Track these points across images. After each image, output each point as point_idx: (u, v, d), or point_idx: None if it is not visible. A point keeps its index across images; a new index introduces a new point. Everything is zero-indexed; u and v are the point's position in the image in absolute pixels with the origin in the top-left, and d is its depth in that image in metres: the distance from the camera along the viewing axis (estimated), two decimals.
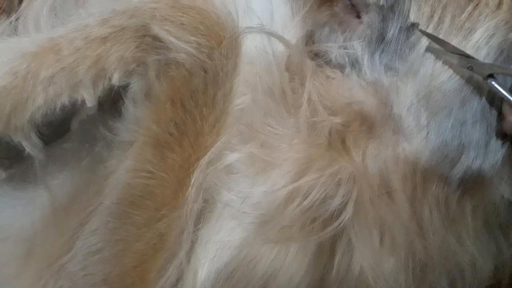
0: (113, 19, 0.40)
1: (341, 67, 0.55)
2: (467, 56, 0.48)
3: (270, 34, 0.48)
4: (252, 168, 0.46)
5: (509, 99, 0.45)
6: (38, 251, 0.45)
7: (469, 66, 0.48)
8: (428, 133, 0.51)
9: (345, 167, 0.48)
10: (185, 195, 0.42)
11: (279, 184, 0.46)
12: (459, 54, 0.49)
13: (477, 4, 0.52)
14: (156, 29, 0.40)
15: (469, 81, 0.51)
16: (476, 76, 0.48)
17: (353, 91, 0.54)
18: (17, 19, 0.47)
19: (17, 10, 0.77)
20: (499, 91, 0.46)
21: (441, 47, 0.50)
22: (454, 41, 0.52)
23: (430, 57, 0.52)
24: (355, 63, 0.55)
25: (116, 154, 0.43)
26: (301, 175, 0.47)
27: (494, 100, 0.50)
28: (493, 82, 0.46)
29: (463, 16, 0.52)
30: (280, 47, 0.50)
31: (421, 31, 0.51)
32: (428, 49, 0.51)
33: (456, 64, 0.50)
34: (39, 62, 0.39)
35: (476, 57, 0.51)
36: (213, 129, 0.44)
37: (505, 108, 0.47)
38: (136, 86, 0.43)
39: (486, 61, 0.52)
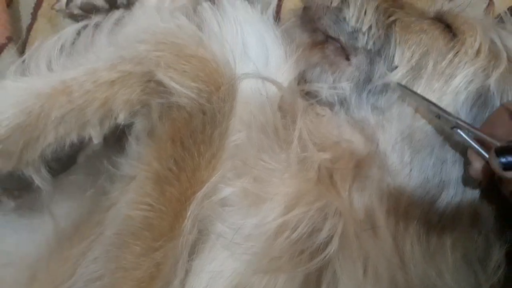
0: (121, 64, 0.43)
1: (330, 105, 0.59)
2: (436, 106, 0.52)
3: (264, 79, 0.51)
4: (245, 201, 0.48)
5: (474, 147, 0.48)
6: (42, 277, 0.47)
7: (437, 115, 0.52)
8: (411, 170, 0.53)
9: (332, 202, 0.50)
10: (181, 227, 0.44)
11: (270, 217, 0.48)
12: (430, 103, 0.52)
13: (457, 52, 0.56)
14: (161, 76, 0.43)
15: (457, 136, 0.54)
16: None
17: (341, 128, 0.57)
18: (30, 58, 0.50)
19: (25, 40, 0.81)
20: (465, 139, 0.49)
21: (413, 95, 0.53)
22: (436, 85, 0.55)
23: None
24: (343, 102, 0.58)
25: (118, 187, 0.46)
26: (291, 209, 0.49)
27: None
28: (459, 131, 0.49)
29: (444, 62, 0.56)
30: (273, 88, 0.53)
31: (398, 84, 0.54)
32: (401, 96, 0.54)
33: (426, 111, 0.53)
34: (52, 103, 0.42)
35: (455, 101, 0.55)
36: (209, 164, 0.46)
37: (470, 155, 0.49)
38: (140, 125, 0.46)
39: (465, 105, 0.55)
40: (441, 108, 0.51)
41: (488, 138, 0.46)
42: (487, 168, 0.46)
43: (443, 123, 0.51)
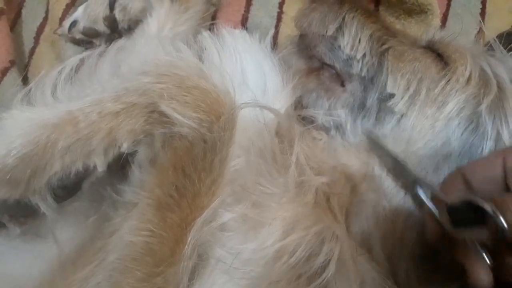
0: (126, 96, 0.45)
1: (326, 130, 0.60)
2: (401, 162, 0.52)
3: (262, 107, 0.53)
4: (243, 226, 0.50)
5: (430, 208, 0.46)
6: None
7: (400, 172, 0.52)
8: (406, 193, 0.55)
9: (329, 227, 0.51)
10: (181, 252, 0.45)
11: (268, 242, 0.49)
12: (394, 158, 0.53)
13: (449, 80, 0.58)
14: (164, 107, 0.45)
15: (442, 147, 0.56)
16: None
17: (337, 153, 0.58)
18: (36, 86, 0.52)
19: (27, 63, 0.82)
20: (423, 200, 0.47)
21: (382, 150, 0.55)
22: (429, 112, 0.57)
23: (407, 124, 0.58)
24: (339, 127, 0.60)
25: (121, 214, 0.47)
26: (288, 234, 0.50)
27: None
28: (420, 191, 0.48)
29: (436, 90, 0.58)
30: (271, 115, 0.55)
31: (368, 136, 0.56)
32: (370, 148, 0.56)
33: (390, 166, 0.54)
34: (58, 133, 0.43)
35: (448, 126, 0.57)
36: (209, 190, 0.48)
37: (426, 216, 0.47)
38: (142, 153, 0.47)
39: (457, 130, 0.57)
40: (404, 162, 0.52)
41: (442, 196, 0.45)
42: (439, 230, 0.45)
43: (405, 177, 0.51)
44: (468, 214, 0.40)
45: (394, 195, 0.55)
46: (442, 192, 0.45)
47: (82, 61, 0.57)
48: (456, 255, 0.43)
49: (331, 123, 0.60)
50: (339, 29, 0.61)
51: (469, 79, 0.58)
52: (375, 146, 0.55)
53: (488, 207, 0.39)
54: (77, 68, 0.56)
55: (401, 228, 0.53)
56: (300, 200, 0.53)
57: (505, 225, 0.38)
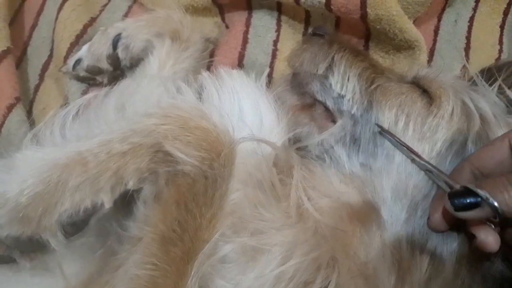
0: (132, 137, 0.48)
1: (322, 161, 0.63)
2: (412, 151, 0.58)
3: (259, 140, 0.56)
4: (243, 257, 0.51)
5: (443, 185, 0.52)
6: None
7: (412, 159, 0.57)
8: (400, 222, 0.57)
9: (327, 252, 0.53)
10: (184, 285, 0.47)
11: (268, 268, 0.51)
12: (406, 147, 0.58)
13: (435, 115, 0.61)
14: (168, 147, 0.47)
15: (429, 178, 0.59)
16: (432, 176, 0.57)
17: (335, 184, 0.60)
18: (45, 126, 0.54)
19: (32, 99, 0.85)
20: (434, 180, 0.54)
21: (392, 139, 0.59)
22: (420, 148, 0.60)
23: (395, 156, 0.61)
24: (333, 159, 0.62)
25: (126, 248, 0.49)
26: (288, 259, 0.52)
27: None
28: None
29: (424, 125, 0.61)
30: (268, 148, 0.57)
31: (378, 125, 0.60)
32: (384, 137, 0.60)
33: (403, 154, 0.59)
34: (69, 172, 0.46)
35: (436, 160, 0.60)
36: (210, 224, 0.50)
37: (433, 204, 0.53)
38: (147, 190, 0.49)
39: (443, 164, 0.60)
40: (416, 152, 0.57)
41: (451, 181, 0.51)
42: (448, 216, 0.50)
43: (417, 165, 0.57)
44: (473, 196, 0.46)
45: (390, 224, 0.57)
46: (451, 180, 0.51)
47: (88, 100, 0.60)
48: (467, 228, 0.49)
49: (325, 155, 0.62)
50: (329, 68, 0.65)
51: (452, 114, 0.61)
52: (387, 136, 0.59)
53: (481, 192, 0.45)
54: (84, 107, 0.59)
55: (398, 256, 0.55)
56: (300, 226, 0.54)
57: (497, 204, 0.44)
